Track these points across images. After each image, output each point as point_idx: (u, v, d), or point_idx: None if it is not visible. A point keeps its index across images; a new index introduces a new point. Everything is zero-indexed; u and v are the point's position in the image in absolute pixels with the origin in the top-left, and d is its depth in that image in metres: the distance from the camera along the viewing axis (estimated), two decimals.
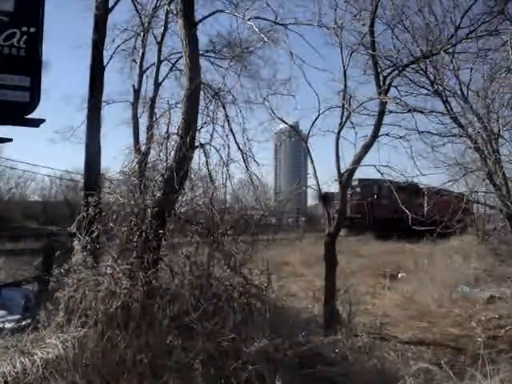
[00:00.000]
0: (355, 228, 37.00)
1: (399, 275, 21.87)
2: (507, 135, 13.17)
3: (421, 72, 13.73)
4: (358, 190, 36.26)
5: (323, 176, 13.99)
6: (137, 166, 8.27)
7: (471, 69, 13.57)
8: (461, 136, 13.52)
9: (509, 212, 13.34)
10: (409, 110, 13.02)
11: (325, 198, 14.85)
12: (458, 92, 13.75)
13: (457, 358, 10.94)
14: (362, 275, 21.47)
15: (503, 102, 12.67)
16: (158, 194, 7.74)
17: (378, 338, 11.50)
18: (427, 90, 14.00)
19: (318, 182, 13.53)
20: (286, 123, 15.00)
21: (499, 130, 12.78)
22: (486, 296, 16.53)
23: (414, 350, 11.52)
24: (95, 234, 7.46)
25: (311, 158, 14.01)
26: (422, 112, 13.16)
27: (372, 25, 12.40)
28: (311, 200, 69.59)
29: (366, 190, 28.69)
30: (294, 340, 7.56)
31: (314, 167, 13.72)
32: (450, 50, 12.36)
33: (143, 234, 7.29)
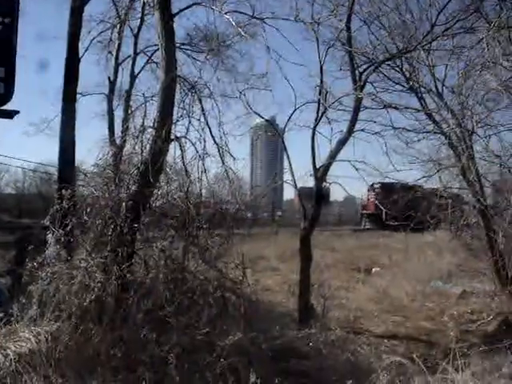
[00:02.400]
0: (378, 222, 42.51)
1: (373, 270, 22.03)
2: (481, 132, 13.33)
3: (396, 68, 13.81)
4: (380, 191, 40.89)
5: (300, 171, 14.03)
6: (112, 158, 8.22)
7: (446, 66, 13.69)
8: (435, 132, 13.65)
9: (481, 208, 13.51)
10: (384, 106, 13.10)
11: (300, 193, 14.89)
12: (433, 89, 13.87)
13: (429, 351, 11.07)
14: (337, 270, 21.58)
15: (477, 100, 12.80)
16: (133, 188, 7.71)
17: (351, 332, 11.60)
18: (402, 86, 14.10)
19: (293, 176, 13.57)
20: (262, 117, 15.00)
21: (473, 127, 12.91)
22: (458, 291, 16.71)
23: (387, 344, 11.63)
24: (69, 227, 7.42)
25: (287, 153, 14.05)
26: (397, 108, 13.25)
27: (348, 21, 12.43)
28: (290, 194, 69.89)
29: (386, 191, 32.92)
30: (268, 334, 7.61)
31: (289, 162, 13.75)
32: (426, 47, 12.42)
33: (118, 227, 7.25)
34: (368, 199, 47.54)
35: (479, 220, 14.19)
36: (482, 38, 11.21)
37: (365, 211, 49.60)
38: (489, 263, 14.41)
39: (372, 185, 39.30)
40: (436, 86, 13.84)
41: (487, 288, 15.17)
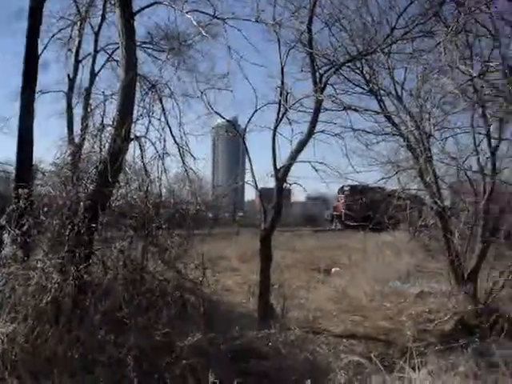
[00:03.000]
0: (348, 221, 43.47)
1: (333, 270, 22.12)
2: (438, 134, 13.56)
3: (357, 71, 13.92)
4: (349, 193, 43.60)
5: (262, 171, 14.00)
6: (70, 157, 8.11)
7: (406, 69, 13.86)
8: (394, 134, 13.82)
9: (438, 209, 13.73)
10: (344, 108, 13.20)
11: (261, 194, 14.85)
12: (393, 91, 14.03)
13: (387, 350, 11.16)
14: (297, 270, 21.66)
15: (435, 103, 13.01)
16: (92, 187, 7.64)
17: (311, 332, 11.64)
18: (362, 88, 14.22)
19: (254, 177, 13.55)
20: (223, 118, 14.92)
21: (431, 130, 13.11)
22: (416, 291, 16.91)
23: (345, 344, 11.70)
24: (26, 226, 7.29)
25: (248, 154, 14.02)
26: (356, 110, 13.36)
27: (310, 23, 12.46)
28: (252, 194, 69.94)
29: (354, 193, 35.00)
30: (227, 334, 7.59)
31: (250, 163, 13.71)
32: (386, 50, 12.54)
33: (75, 227, 7.17)
34: (338, 201, 49.68)
35: (437, 221, 14.40)
36: (440, 42, 11.38)
37: (335, 212, 51.64)
38: (446, 263, 14.64)
39: (342, 187, 41.65)
40: (395, 89, 14.02)
41: (444, 288, 15.38)
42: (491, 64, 11.48)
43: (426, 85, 12.85)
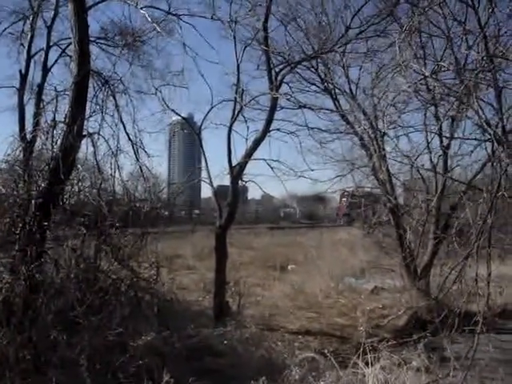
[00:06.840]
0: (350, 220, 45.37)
1: (289, 267, 22.24)
2: (391, 133, 13.69)
3: (312, 69, 13.97)
4: (348, 197, 46.49)
5: (218, 169, 13.98)
6: (21, 154, 7.96)
7: (360, 68, 13.98)
8: (348, 133, 13.92)
9: (392, 206, 13.89)
10: (299, 107, 13.24)
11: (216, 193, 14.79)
12: (347, 90, 14.13)
13: (342, 346, 11.27)
14: (254, 267, 21.69)
15: (388, 101, 13.12)
16: (43, 185, 7.49)
17: (266, 329, 11.67)
18: (317, 87, 14.29)
19: (209, 174, 13.51)
20: (178, 115, 14.81)
21: (384, 128, 13.23)
22: (370, 287, 17.13)
23: (301, 340, 11.75)
24: None
25: (203, 151, 13.95)
26: (311, 109, 13.41)
27: (266, 21, 12.45)
28: (208, 192, 69.66)
29: (352, 197, 37.40)
30: (182, 333, 7.57)
31: (206, 160, 13.67)
32: (341, 49, 12.63)
33: (27, 226, 7.04)
34: (341, 203, 53.23)
35: (390, 218, 14.55)
36: (393, 42, 11.49)
37: (340, 212, 56.37)
38: (399, 260, 14.80)
39: (344, 192, 44.61)
40: (350, 88, 14.12)
41: (398, 284, 15.57)
42: (443, 64, 11.63)
43: (380, 84, 12.95)
